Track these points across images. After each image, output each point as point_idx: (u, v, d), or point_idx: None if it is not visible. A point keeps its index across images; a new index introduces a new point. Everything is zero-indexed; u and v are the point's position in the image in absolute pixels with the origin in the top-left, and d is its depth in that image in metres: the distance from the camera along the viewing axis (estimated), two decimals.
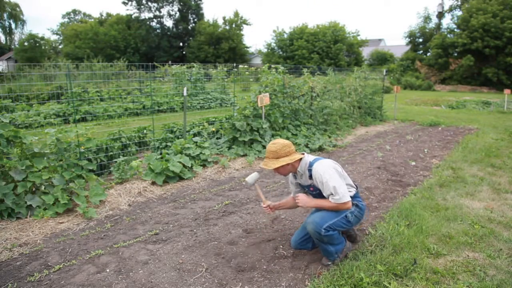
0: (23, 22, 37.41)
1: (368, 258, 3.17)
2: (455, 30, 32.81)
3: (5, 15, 35.14)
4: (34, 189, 4.33)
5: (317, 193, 3.08)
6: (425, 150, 7.74)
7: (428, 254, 3.27)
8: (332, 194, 2.88)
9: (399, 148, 7.98)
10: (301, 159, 3.13)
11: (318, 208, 3.10)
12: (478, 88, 29.48)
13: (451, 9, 35.54)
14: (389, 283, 2.80)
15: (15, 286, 2.88)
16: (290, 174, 3.32)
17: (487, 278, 2.90)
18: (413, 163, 6.62)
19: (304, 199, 3.07)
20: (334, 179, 2.90)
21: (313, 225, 2.97)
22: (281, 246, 3.51)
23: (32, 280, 2.96)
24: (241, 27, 45.96)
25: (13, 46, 42.09)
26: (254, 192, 5.13)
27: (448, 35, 32.91)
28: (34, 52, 38.26)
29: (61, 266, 3.16)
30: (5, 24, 35.84)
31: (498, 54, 28.71)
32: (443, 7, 35.74)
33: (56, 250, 3.46)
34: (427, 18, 36.97)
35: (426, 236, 3.59)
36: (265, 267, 3.14)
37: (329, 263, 3.13)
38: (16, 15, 35.79)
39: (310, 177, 3.05)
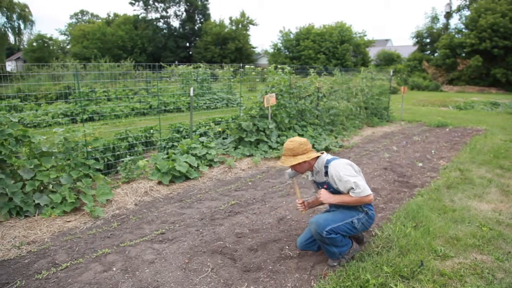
0: (32, 23, 37.69)
1: (375, 259, 3.16)
2: (463, 30, 32.51)
3: (14, 16, 35.45)
4: (42, 188, 4.37)
5: (331, 191, 3.09)
6: (433, 151, 7.68)
7: (435, 256, 3.24)
8: (352, 188, 2.88)
9: (406, 149, 7.93)
10: (318, 157, 3.16)
11: (338, 204, 3.08)
12: (486, 89, 29.20)
13: (459, 9, 35.23)
14: (396, 285, 2.79)
15: (23, 283, 2.91)
16: (309, 172, 3.34)
17: (495, 281, 2.87)
18: (420, 164, 6.58)
19: (325, 194, 3.06)
20: (353, 175, 2.94)
21: (315, 226, 2.98)
22: (287, 247, 3.51)
23: (40, 278, 2.98)
24: (248, 27, 46.00)
25: (22, 47, 42.49)
26: (260, 192, 5.13)
27: (456, 35, 32.62)
28: (42, 52, 38.63)
29: (68, 264, 3.19)
30: (14, 24, 36.17)
31: (507, 54, 28.41)
32: (451, 7, 35.44)
33: (64, 248, 3.49)
34: (434, 18, 36.69)
35: (433, 238, 3.56)
36: (271, 267, 3.14)
37: (335, 264, 3.12)
38: (25, 16, 36.08)
39: (326, 174, 3.07)
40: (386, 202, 4.72)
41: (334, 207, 3.25)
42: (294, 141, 3.12)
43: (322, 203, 3.41)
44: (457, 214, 4.16)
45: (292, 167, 3.16)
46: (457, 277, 2.92)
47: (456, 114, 14.43)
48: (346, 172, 2.94)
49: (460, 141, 8.82)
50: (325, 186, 3.14)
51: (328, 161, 3.09)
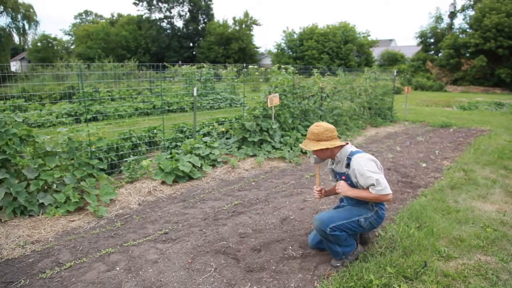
0: (37, 23, 37.81)
1: (378, 260, 3.15)
2: (468, 30, 32.35)
3: (19, 16, 35.59)
4: (46, 187, 4.39)
5: (349, 184, 3.04)
6: (436, 151, 7.65)
7: (438, 256, 3.23)
8: (373, 185, 2.82)
9: (410, 150, 7.91)
10: (342, 146, 3.10)
11: (354, 198, 3.04)
12: (490, 89, 29.04)
13: (463, 9, 35.03)
14: (399, 286, 2.78)
15: (27, 282, 2.92)
16: (329, 160, 3.28)
17: (499, 283, 2.85)
18: (424, 165, 6.56)
19: (344, 186, 3.01)
20: (375, 171, 2.88)
21: (319, 222, 2.97)
22: (290, 247, 3.50)
23: (44, 277, 3.00)
24: (251, 28, 46.00)
25: (26, 47, 42.71)
26: (263, 192, 5.13)
27: (460, 35, 32.46)
28: (46, 53, 38.83)
29: (72, 263, 3.20)
30: (19, 25, 36.27)
31: (511, 54, 28.24)
32: (455, 7, 35.26)
33: (67, 248, 3.50)
34: (438, 18, 36.51)
35: (437, 238, 3.55)
36: (274, 267, 3.14)
37: (338, 264, 3.12)
38: (29, 16, 36.22)
39: (347, 166, 3.02)
40: (390, 202, 4.71)
41: (349, 199, 3.20)
42: (320, 125, 3.04)
43: (335, 193, 3.36)
44: (461, 215, 4.14)
45: (314, 152, 3.09)
46: (461, 278, 2.91)
47: (460, 114, 14.36)
48: (369, 168, 2.87)
49: (464, 141, 8.78)
50: (343, 178, 3.08)
51: (352, 153, 3.02)
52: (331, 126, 3.07)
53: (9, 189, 4.02)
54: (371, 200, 2.95)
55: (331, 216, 3.01)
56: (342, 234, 2.99)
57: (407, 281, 2.86)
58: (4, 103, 11.03)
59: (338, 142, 3.05)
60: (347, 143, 3.13)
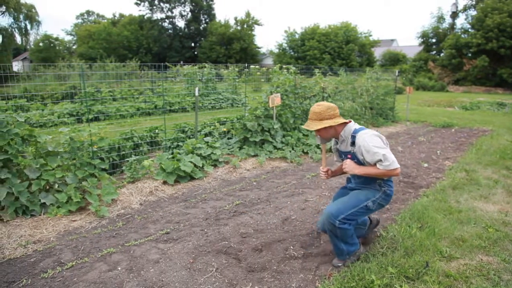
0: (39, 23, 37.84)
1: (379, 260, 3.14)
2: (470, 30, 32.25)
3: (21, 16, 35.66)
4: (48, 187, 4.40)
5: (355, 162, 3.00)
6: (438, 151, 7.64)
7: (440, 257, 3.22)
8: (381, 160, 2.77)
9: (411, 150, 7.90)
10: (345, 124, 3.05)
11: (361, 175, 2.99)
12: (492, 89, 28.96)
13: (465, 9, 34.94)
14: (401, 286, 2.78)
15: (29, 282, 2.93)
16: (333, 140, 3.25)
17: (501, 283, 2.85)
18: (426, 165, 6.55)
19: (351, 165, 2.97)
20: (382, 146, 2.82)
21: (327, 216, 2.95)
22: (291, 247, 3.50)
23: (46, 276, 3.00)
24: (253, 28, 45.98)
25: (28, 47, 42.78)
26: (265, 192, 5.13)
27: (462, 35, 32.37)
28: (48, 53, 38.89)
29: (73, 263, 3.21)
30: (21, 25, 36.34)
31: None
32: (457, 7, 35.16)
33: (69, 247, 3.51)
34: (440, 18, 36.41)
35: (439, 239, 3.54)
36: (275, 267, 3.14)
37: (340, 264, 3.11)
38: (31, 16, 36.28)
39: (352, 144, 2.97)
40: (391, 202, 4.70)
41: (356, 178, 3.16)
42: (321, 104, 3.00)
43: (344, 173, 3.29)
44: (462, 215, 4.13)
45: (317, 132, 3.04)
46: (462, 278, 2.90)
47: (462, 114, 14.33)
48: (375, 144, 2.81)
49: (466, 141, 8.76)
50: (349, 156, 3.04)
51: (356, 131, 2.96)
52: (333, 105, 3.03)
53: (11, 189, 4.03)
54: (379, 176, 2.90)
55: (339, 208, 2.96)
56: (350, 228, 2.98)
57: (408, 282, 2.86)
58: (6, 103, 11.06)
59: (341, 120, 3.01)
60: (350, 121, 3.07)
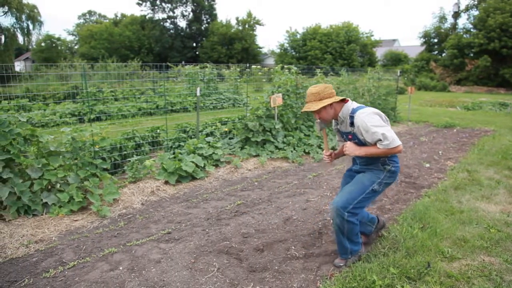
0: (41, 23, 37.83)
1: (381, 260, 3.14)
2: (472, 30, 32.16)
3: (23, 16, 35.72)
4: (49, 187, 4.41)
5: (356, 142, 2.97)
6: (440, 152, 7.63)
7: (442, 257, 3.22)
8: (380, 140, 2.73)
9: (413, 150, 7.88)
10: (344, 103, 3.01)
11: (364, 156, 2.96)
12: (495, 89, 28.87)
13: (467, 9, 34.84)
14: (402, 286, 2.77)
15: (31, 281, 2.93)
16: (334, 121, 3.21)
17: (503, 284, 2.84)
18: (428, 165, 6.53)
19: (351, 147, 2.95)
20: (380, 125, 2.77)
21: (336, 208, 2.93)
22: (293, 247, 3.50)
23: (48, 276, 3.01)
24: (254, 28, 45.97)
25: (30, 47, 42.88)
26: (266, 192, 5.13)
27: (464, 35, 32.27)
28: (50, 53, 38.96)
29: (75, 263, 3.22)
30: (23, 25, 36.36)
31: None
32: (459, 7, 35.06)
33: (71, 247, 3.52)
34: (442, 18, 36.32)
35: (440, 239, 3.54)
36: (276, 267, 3.14)
37: (341, 264, 3.11)
38: (34, 17, 36.31)
39: (351, 124, 2.93)
40: (393, 203, 4.70)
41: (360, 159, 3.14)
42: (317, 85, 2.96)
43: (343, 155, 3.29)
44: (464, 216, 4.12)
45: (318, 114, 3.00)
46: (464, 279, 2.90)
47: (464, 114, 14.30)
48: (373, 123, 2.76)
49: (468, 142, 8.74)
50: (349, 137, 3.01)
51: (353, 110, 2.91)
52: (329, 84, 3.00)
53: (13, 189, 4.04)
54: (381, 155, 2.87)
55: (346, 198, 2.93)
56: (357, 224, 2.98)
57: (410, 282, 2.85)
58: (8, 103, 11.12)
59: (339, 97, 2.98)
60: (347, 100, 3.03)
